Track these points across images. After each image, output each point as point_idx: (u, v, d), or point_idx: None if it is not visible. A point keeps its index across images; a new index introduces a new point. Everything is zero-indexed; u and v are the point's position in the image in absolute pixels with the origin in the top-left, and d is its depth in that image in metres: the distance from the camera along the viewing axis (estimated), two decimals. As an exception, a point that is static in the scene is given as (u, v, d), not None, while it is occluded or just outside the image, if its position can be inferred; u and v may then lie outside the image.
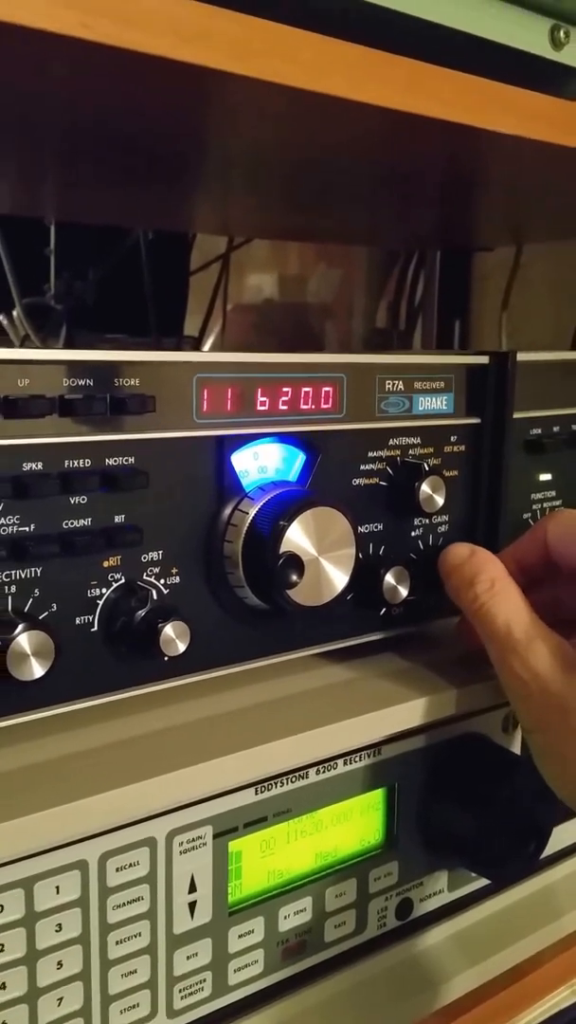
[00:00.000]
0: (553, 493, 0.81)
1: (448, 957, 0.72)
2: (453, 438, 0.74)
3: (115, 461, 0.57)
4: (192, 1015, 0.61)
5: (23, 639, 0.52)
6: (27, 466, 0.54)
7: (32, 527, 0.54)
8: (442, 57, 0.58)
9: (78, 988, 0.56)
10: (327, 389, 0.66)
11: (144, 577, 0.59)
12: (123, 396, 0.56)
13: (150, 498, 0.59)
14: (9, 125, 0.66)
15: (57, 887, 0.54)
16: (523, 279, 1.38)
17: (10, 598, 0.54)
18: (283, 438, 0.65)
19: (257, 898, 0.63)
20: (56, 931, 0.54)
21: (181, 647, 0.57)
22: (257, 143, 0.70)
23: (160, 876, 0.58)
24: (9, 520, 0.53)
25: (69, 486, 0.55)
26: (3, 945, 0.52)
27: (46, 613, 0.55)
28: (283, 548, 0.61)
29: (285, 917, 0.65)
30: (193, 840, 0.59)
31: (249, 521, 0.62)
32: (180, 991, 0.60)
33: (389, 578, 0.69)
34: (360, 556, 0.66)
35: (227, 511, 0.62)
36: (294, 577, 0.61)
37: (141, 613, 0.58)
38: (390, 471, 0.70)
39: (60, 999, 0.55)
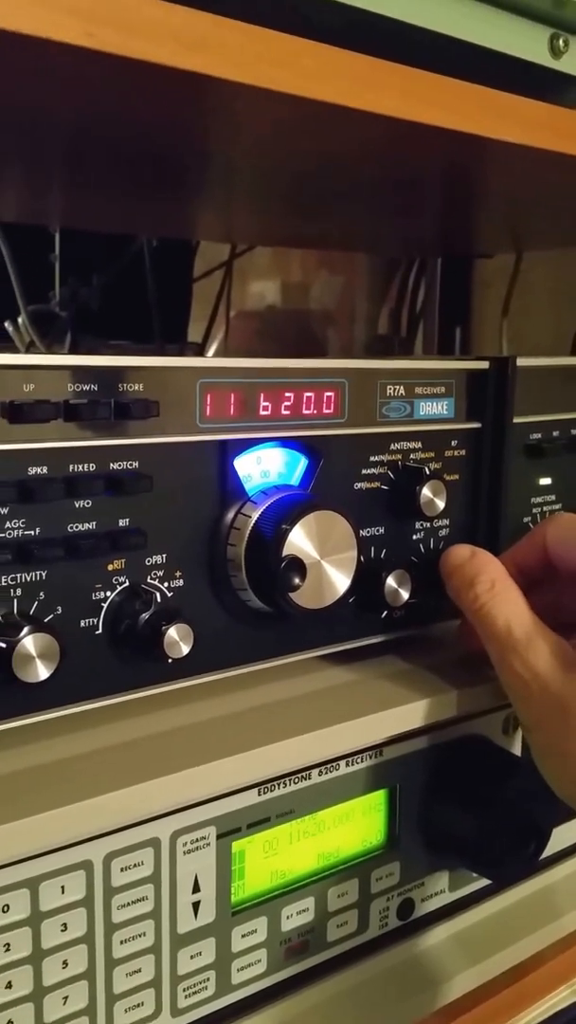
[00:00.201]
0: (553, 497, 0.81)
1: (449, 957, 0.73)
2: (454, 442, 0.74)
3: (119, 465, 0.57)
4: (196, 1014, 0.61)
5: (28, 641, 0.52)
6: (32, 470, 0.54)
7: (37, 531, 0.55)
8: (442, 65, 0.58)
9: (83, 987, 0.56)
10: (329, 394, 0.67)
11: (148, 580, 0.60)
12: (127, 401, 0.57)
13: (154, 502, 0.59)
14: (14, 133, 0.66)
15: (62, 887, 0.54)
16: (523, 285, 1.38)
17: (16, 601, 0.54)
18: (285, 443, 0.65)
19: (260, 898, 0.64)
20: (61, 930, 0.55)
21: (185, 649, 0.58)
22: (259, 150, 0.70)
23: (164, 876, 0.59)
24: (15, 524, 0.54)
25: (74, 490, 0.55)
26: (9, 944, 0.53)
27: (51, 616, 0.55)
28: (285, 551, 0.61)
29: (288, 917, 0.65)
30: (197, 840, 0.60)
31: (252, 525, 0.62)
32: (184, 990, 0.60)
33: (390, 581, 0.69)
34: (362, 559, 0.66)
35: (230, 515, 0.63)
36: (296, 580, 0.62)
37: (145, 616, 0.58)
38: (391, 475, 0.71)
39: (65, 998, 0.55)
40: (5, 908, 0.52)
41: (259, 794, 0.63)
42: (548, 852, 0.74)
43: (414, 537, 0.73)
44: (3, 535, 0.54)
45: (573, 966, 0.77)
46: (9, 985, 0.53)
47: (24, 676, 0.52)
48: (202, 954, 0.61)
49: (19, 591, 0.54)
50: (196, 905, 0.60)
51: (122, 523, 0.58)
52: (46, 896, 0.54)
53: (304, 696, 0.67)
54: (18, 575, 0.54)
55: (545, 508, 0.81)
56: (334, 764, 0.66)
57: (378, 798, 0.69)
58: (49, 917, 0.54)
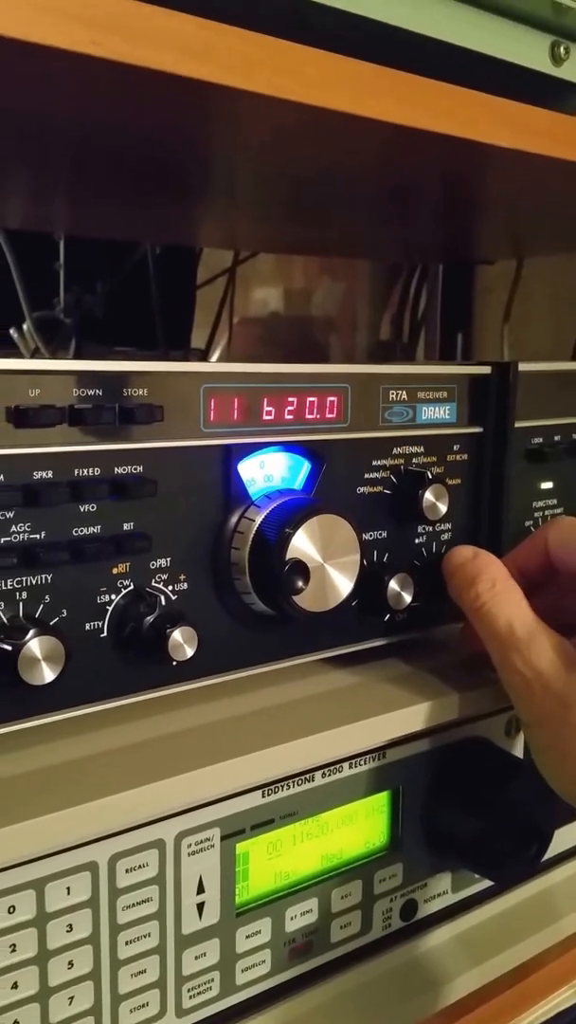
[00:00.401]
0: (554, 501, 0.82)
1: (452, 957, 0.73)
2: (456, 447, 0.75)
3: (124, 470, 0.58)
4: (200, 1014, 0.62)
5: (34, 644, 0.52)
6: (38, 474, 0.54)
7: (43, 534, 0.55)
8: (444, 72, 0.59)
9: (88, 987, 0.56)
10: (332, 399, 0.67)
11: (153, 583, 0.60)
12: (132, 406, 0.57)
13: (158, 506, 0.59)
14: (19, 140, 0.66)
15: (68, 888, 0.55)
16: (524, 291, 1.38)
17: (21, 604, 0.54)
18: (289, 447, 0.66)
19: (264, 899, 0.64)
20: (67, 931, 0.55)
21: (189, 652, 0.58)
22: (262, 157, 0.70)
23: (169, 877, 0.59)
24: (20, 527, 0.54)
25: (79, 494, 0.56)
26: (15, 945, 0.53)
27: (57, 619, 0.56)
28: (289, 555, 0.61)
29: (292, 918, 0.65)
30: (201, 842, 0.60)
31: (255, 528, 0.62)
32: (189, 990, 0.61)
33: (393, 584, 0.69)
34: (364, 563, 0.67)
35: (234, 519, 0.63)
36: (300, 583, 0.62)
37: (150, 619, 0.58)
38: (394, 479, 0.71)
39: (71, 998, 0.55)
40: (11, 909, 0.53)
41: (263, 796, 0.63)
42: (550, 854, 0.74)
43: (416, 541, 0.73)
44: (9, 538, 0.54)
45: (574, 967, 0.77)
46: (15, 985, 0.53)
47: (30, 678, 0.52)
48: (206, 955, 0.61)
49: (25, 594, 0.55)
50: (200, 906, 0.61)
51: (127, 527, 0.58)
52: (52, 897, 0.54)
53: (307, 699, 0.67)
54: (24, 578, 0.54)
55: (547, 512, 0.81)
56: (337, 766, 0.66)
57: (381, 800, 0.70)
58: (55, 918, 0.54)
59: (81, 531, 0.57)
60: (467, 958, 0.73)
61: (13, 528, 0.54)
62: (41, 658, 0.52)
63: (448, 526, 0.75)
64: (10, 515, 0.54)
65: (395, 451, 0.71)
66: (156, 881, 0.58)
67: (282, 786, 0.64)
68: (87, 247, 1.37)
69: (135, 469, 0.58)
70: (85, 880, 0.55)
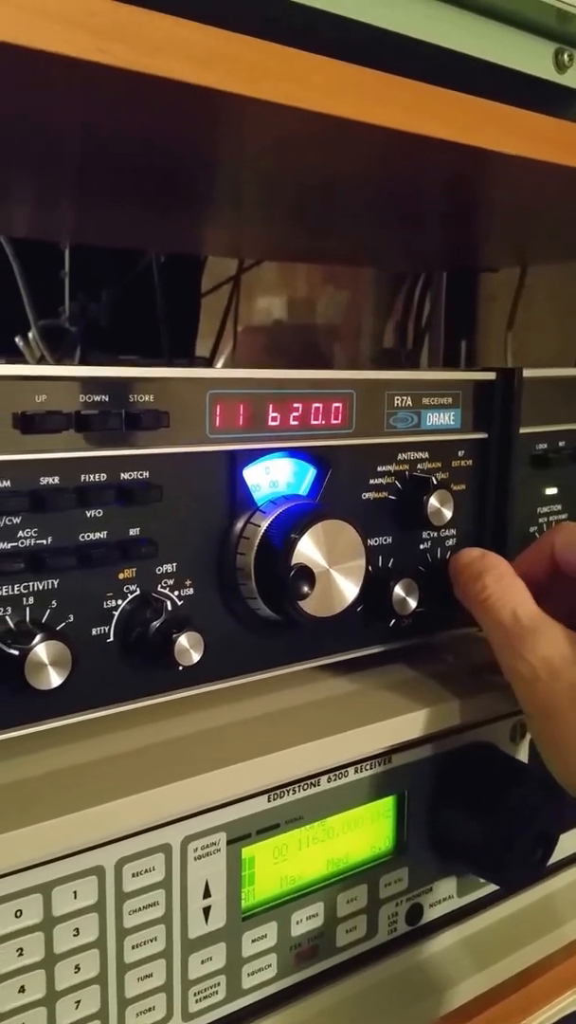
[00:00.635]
0: (559, 507, 0.82)
1: (457, 962, 0.73)
2: (460, 453, 0.75)
3: (130, 475, 0.58)
4: (207, 1018, 0.62)
5: (41, 649, 0.52)
6: (44, 480, 0.55)
7: (49, 540, 0.55)
8: (448, 80, 0.59)
9: (95, 991, 0.56)
10: (337, 405, 0.67)
11: (159, 589, 0.60)
12: (138, 412, 0.57)
13: (164, 511, 0.60)
14: (26, 149, 0.66)
15: (74, 892, 0.55)
16: (528, 299, 1.38)
17: (28, 609, 0.55)
18: (294, 453, 0.66)
19: (270, 903, 0.64)
20: (74, 935, 0.55)
21: (195, 657, 0.58)
22: (267, 165, 0.70)
23: (175, 882, 0.59)
24: (27, 533, 0.54)
25: (85, 500, 0.56)
26: (22, 949, 0.53)
27: (63, 624, 0.56)
28: (294, 560, 0.62)
29: (297, 922, 0.66)
30: (207, 846, 0.60)
31: (261, 534, 0.63)
32: (195, 994, 0.61)
33: (398, 590, 0.70)
34: (370, 568, 0.67)
35: (239, 524, 0.63)
36: (305, 588, 0.62)
37: (156, 624, 0.59)
38: (399, 485, 0.71)
39: (78, 1002, 0.56)
40: (18, 913, 0.53)
41: (269, 800, 0.63)
42: (555, 858, 0.74)
43: (421, 546, 0.74)
44: (16, 544, 0.54)
45: (580, 971, 0.77)
46: (22, 989, 0.53)
47: (36, 683, 0.52)
48: (213, 959, 0.61)
49: (31, 599, 0.55)
50: (207, 910, 0.61)
51: (133, 532, 0.59)
52: (58, 901, 0.54)
53: (312, 704, 0.68)
54: (31, 583, 0.55)
55: (551, 518, 0.81)
56: (343, 771, 0.66)
57: (387, 804, 0.70)
58: (61, 922, 0.54)
59: (87, 536, 0.57)
60: (472, 962, 0.73)
61: (20, 533, 0.54)
62: (48, 663, 0.53)
63: (453, 532, 0.75)
64: (17, 520, 0.54)
65: (400, 457, 0.71)
66: (162, 885, 0.58)
67: (288, 791, 0.64)
68: (92, 256, 1.38)
69: (141, 475, 0.58)
70: (92, 884, 0.55)
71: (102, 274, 1.38)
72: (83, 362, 1.36)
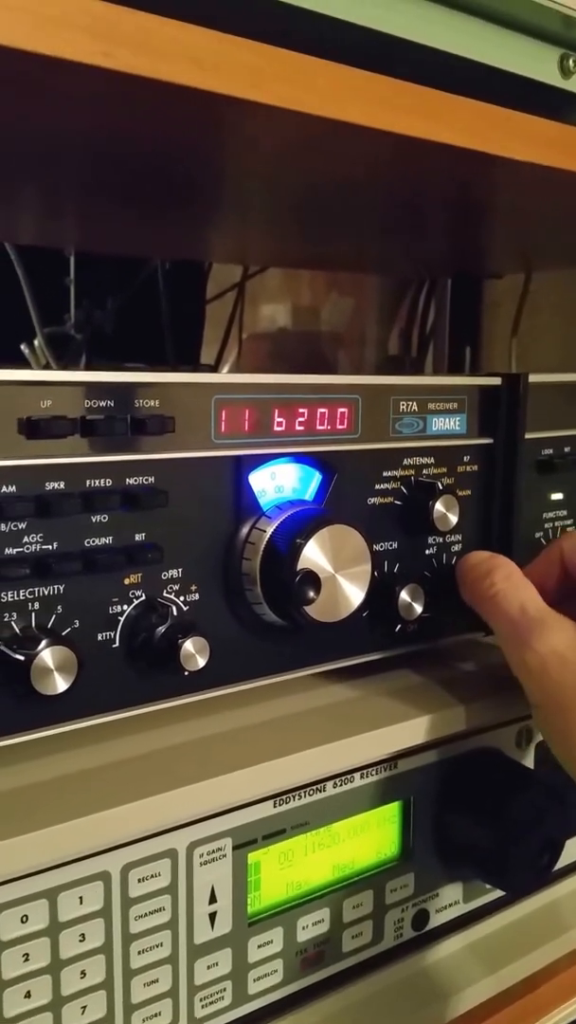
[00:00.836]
0: (564, 512, 0.82)
1: (463, 967, 0.73)
2: (466, 458, 0.75)
3: (135, 480, 0.58)
4: (213, 1023, 0.62)
5: (46, 654, 0.53)
6: (50, 485, 0.55)
7: (55, 545, 0.55)
8: (454, 85, 0.59)
9: (101, 997, 0.56)
10: (342, 410, 0.67)
11: (164, 594, 0.60)
12: (143, 417, 0.57)
13: (170, 517, 0.60)
14: (31, 155, 0.66)
15: (80, 898, 0.55)
16: (532, 305, 1.38)
17: (34, 614, 0.55)
18: (299, 458, 0.66)
19: (276, 909, 0.64)
20: (80, 941, 0.55)
21: (201, 662, 0.58)
22: (272, 170, 0.70)
23: (181, 887, 0.59)
24: (32, 538, 0.54)
25: (91, 505, 0.56)
26: (28, 954, 0.53)
27: (69, 629, 0.56)
28: (300, 565, 0.62)
29: (303, 928, 0.65)
30: (213, 852, 0.60)
31: (267, 539, 0.63)
32: (201, 1000, 0.61)
33: (404, 595, 0.70)
34: (375, 573, 0.67)
35: (245, 529, 0.63)
36: (311, 593, 0.62)
37: (161, 629, 0.58)
38: (404, 490, 0.71)
39: (84, 1007, 0.55)
40: (24, 919, 0.53)
41: (274, 806, 0.63)
42: (561, 863, 0.74)
43: (427, 552, 0.73)
44: (21, 549, 0.54)
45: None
46: (28, 995, 0.53)
47: (42, 689, 0.53)
48: (219, 964, 0.61)
49: (37, 605, 0.55)
50: (213, 916, 0.61)
51: (138, 538, 0.59)
52: (64, 907, 0.54)
53: (318, 709, 0.68)
54: (36, 589, 0.55)
55: (557, 523, 0.81)
56: (349, 776, 0.66)
57: (392, 810, 0.70)
58: (67, 928, 0.54)
59: (93, 542, 0.57)
60: (478, 968, 0.73)
61: (25, 539, 0.54)
62: (53, 668, 0.53)
63: (459, 537, 0.75)
64: (22, 526, 0.54)
65: (405, 462, 0.71)
66: (168, 891, 0.58)
67: (293, 796, 0.64)
68: (97, 263, 1.38)
69: (146, 480, 0.58)
70: (98, 890, 0.55)
71: (107, 281, 1.39)
72: (88, 369, 1.36)
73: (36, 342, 1.36)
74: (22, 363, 1.38)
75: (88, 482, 0.56)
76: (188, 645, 0.58)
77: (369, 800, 0.68)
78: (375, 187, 0.77)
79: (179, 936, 0.59)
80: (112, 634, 0.58)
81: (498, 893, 0.77)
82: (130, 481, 0.58)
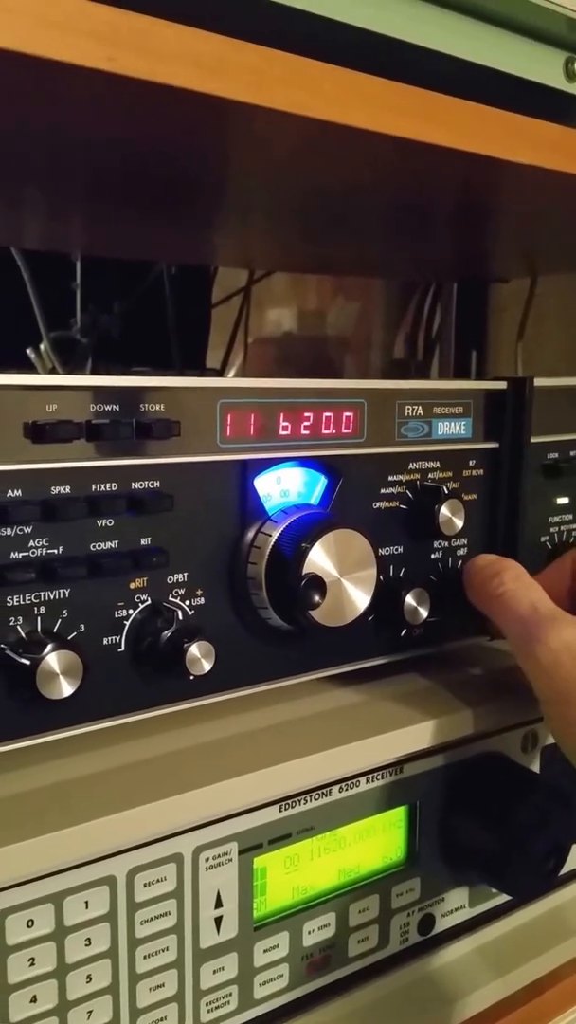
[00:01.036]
0: (570, 516, 0.82)
1: (469, 972, 0.73)
2: (472, 462, 0.75)
3: (141, 485, 0.58)
4: (219, 1028, 0.62)
5: (52, 659, 0.53)
6: (55, 489, 0.55)
7: (60, 549, 0.55)
8: (459, 89, 0.59)
9: (107, 1001, 0.56)
10: (348, 414, 0.67)
11: (170, 598, 0.60)
12: (148, 421, 0.57)
13: (175, 521, 0.60)
14: (34, 159, 0.66)
15: (86, 902, 0.55)
16: (538, 310, 1.38)
17: (39, 619, 0.55)
18: (305, 462, 0.66)
19: (282, 913, 0.64)
20: (85, 945, 0.55)
21: (206, 667, 0.58)
22: (277, 174, 0.70)
23: (187, 891, 0.59)
24: (38, 542, 0.54)
25: (96, 509, 0.56)
26: (34, 959, 0.53)
27: (74, 633, 0.56)
28: (306, 569, 0.62)
29: (309, 932, 0.65)
30: (219, 856, 0.60)
31: (272, 543, 0.63)
32: (207, 1004, 0.61)
33: (410, 599, 0.70)
34: (381, 578, 0.67)
35: (250, 534, 0.63)
36: (317, 598, 0.62)
37: (167, 633, 0.58)
38: (410, 494, 0.71)
39: (90, 1012, 0.55)
40: (30, 923, 0.53)
41: (280, 810, 0.63)
42: (567, 868, 0.74)
43: (433, 556, 0.73)
44: (27, 553, 0.54)
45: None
46: (34, 999, 0.53)
47: (48, 693, 0.53)
48: (224, 969, 0.61)
49: (43, 609, 0.55)
50: (218, 920, 0.61)
51: (144, 542, 0.59)
52: (70, 911, 0.54)
53: (324, 713, 0.68)
54: (42, 593, 0.55)
55: (562, 527, 0.81)
56: (354, 781, 0.66)
57: (398, 815, 0.70)
58: (73, 932, 0.54)
59: (98, 546, 0.57)
60: (484, 973, 0.73)
61: (31, 543, 0.54)
62: (59, 672, 0.53)
63: (464, 541, 0.75)
64: (28, 530, 0.54)
65: (411, 466, 0.71)
66: (174, 895, 0.58)
67: (299, 801, 0.64)
68: (103, 267, 1.38)
69: (152, 484, 0.58)
70: (103, 894, 0.55)
71: (113, 286, 1.39)
72: (94, 373, 1.36)
73: (42, 346, 1.37)
74: (28, 367, 1.38)
75: (94, 486, 0.56)
76: (193, 649, 0.58)
77: (375, 804, 0.68)
78: (379, 191, 0.77)
79: (185, 940, 0.59)
80: (118, 638, 0.58)
81: (504, 897, 0.76)
82: (136, 485, 0.58)
